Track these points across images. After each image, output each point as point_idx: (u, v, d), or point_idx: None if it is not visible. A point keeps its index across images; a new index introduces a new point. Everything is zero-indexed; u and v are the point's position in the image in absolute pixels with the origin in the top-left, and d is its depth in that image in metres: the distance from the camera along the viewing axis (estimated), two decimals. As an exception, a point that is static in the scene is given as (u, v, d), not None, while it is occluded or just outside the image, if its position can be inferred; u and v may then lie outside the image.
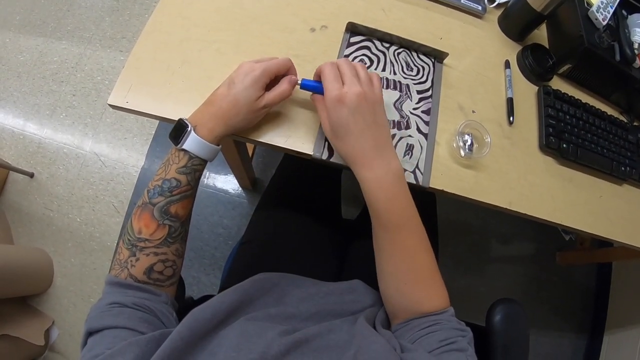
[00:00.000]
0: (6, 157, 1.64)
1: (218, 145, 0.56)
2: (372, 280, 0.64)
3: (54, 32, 1.85)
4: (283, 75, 0.58)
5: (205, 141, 0.53)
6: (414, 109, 0.69)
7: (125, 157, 1.66)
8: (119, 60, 1.79)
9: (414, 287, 0.53)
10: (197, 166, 0.54)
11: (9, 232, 1.55)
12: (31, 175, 1.62)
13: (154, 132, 1.70)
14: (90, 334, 0.44)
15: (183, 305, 0.63)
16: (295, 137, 0.64)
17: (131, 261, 0.50)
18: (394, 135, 0.66)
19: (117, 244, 0.55)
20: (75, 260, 1.54)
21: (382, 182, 0.52)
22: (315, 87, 0.58)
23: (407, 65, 0.71)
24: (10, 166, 1.56)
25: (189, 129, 0.52)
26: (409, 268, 0.53)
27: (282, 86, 0.57)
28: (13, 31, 1.86)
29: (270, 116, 0.64)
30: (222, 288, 0.77)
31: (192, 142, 0.52)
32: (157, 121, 1.69)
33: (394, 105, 0.68)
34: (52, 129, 1.70)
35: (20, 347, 1.30)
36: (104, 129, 1.70)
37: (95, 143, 1.68)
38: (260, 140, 0.63)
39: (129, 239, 0.51)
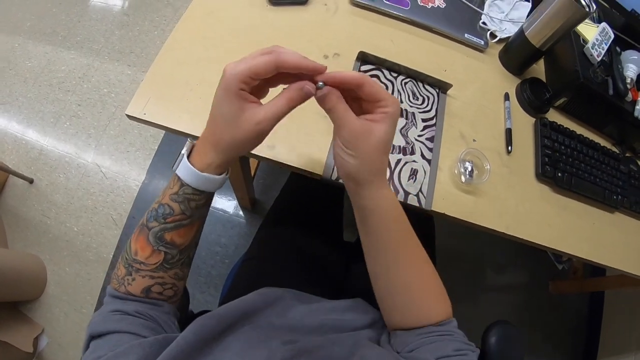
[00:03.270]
0: (7, 161, 1.64)
1: (218, 174, 0.46)
2: (372, 298, 0.65)
3: (63, 41, 1.89)
4: (294, 77, 0.43)
5: (194, 169, 0.45)
6: (419, 136, 0.72)
7: (127, 170, 1.67)
8: (126, 74, 1.82)
9: (424, 295, 0.53)
10: (189, 195, 0.46)
11: (4, 236, 1.54)
12: (31, 181, 1.62)
13: (156, 147, 1.71)
14: (92, 337, 0.45)
15: (185, 317, 0.63)
16: (307, 157, 0.67)
17: (127, 279, 0.49)
18: (399, 160, 0.69)
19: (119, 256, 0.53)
20: (70, 269, 1.52)
21: (393, 194, 0.51)
22: None
23: (414, 94, 0.75)
24: (11, 170, 1.56)
25: (183, 151, 0.47)
26: (421, 276, 0.53)
27: (287, 95, 0.42)
28: (23, 37, 1.89)
29: (282, 134, 0.67)
30: (223, 303, 0.77)
31: (182, 168, 0.46)
32: (160, 137, 1.72)
33: (400, 131, 0.71)
34: (55, 137, 1.71)
35: (7, 352, 1.28)
36: (107, 140, 1.71)
37: (97, 154, 1.69)
38: (272, 158, 0.66)
39: (126, 258, 0.49)
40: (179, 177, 0.46)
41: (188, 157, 0.47)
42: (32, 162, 1.67)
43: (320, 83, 0.42)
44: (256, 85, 0.42)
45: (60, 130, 1.72)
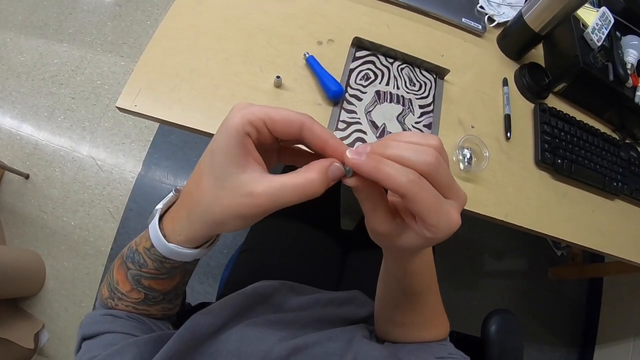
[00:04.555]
0: (2, 157, 1.63)
1: (189, 248, 0.36)
2: (370, 290, 0.64)
3: (55, 34, 1.86)
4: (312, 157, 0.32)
5: (160, 235, 0.36)
6: (416, 122, 0.71)
7: (123, 162, 1.66)
8: (119, 66, 1.80)
9: (433, 325, 0.51)
10: (160, 258, 0.38)
11: (1, 233, 1.53)
12: (26, 177, 1.61)
13: (152, 138, 1.70)
14: (84, 339, 0.44)
15: (182, 311, 0.63)
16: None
17: (111, 302, 0.45)
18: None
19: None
20: (68, 264, 1.52)
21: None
22: None
23: (410, 80, 0.74)
24: (6, 166, 1.55)
25: (159, 205, 0.38)
26: (436, 310, 0.51)
27: (306, 174, 0.29)
28: (14, 31, 1.86)
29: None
30: (221, 295, 0.77)
31: (152, 228, 0.37)
32: (155, 128, 1.70)
33: (397, 118, 0.70)
34: (50, 131, 1.69)
35: (9, 349, 1.27)
36: (102, 133, 1.69)
37: (92, 147, 1.67)
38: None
39: (110, 282, 0.45)
40: (150, 235, 0.38)
41: (164, 214, 0.38)
42: (27, 157, 1.65)
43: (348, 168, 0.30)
44: (264, 146, 0.31)
45: (55, 124, 1.70)
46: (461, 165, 0.69)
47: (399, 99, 0.72)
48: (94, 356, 0.40)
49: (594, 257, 1.61)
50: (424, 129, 0.71)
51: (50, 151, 1.66)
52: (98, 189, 1.61)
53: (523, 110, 0.81)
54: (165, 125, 0.67)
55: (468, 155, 0.69)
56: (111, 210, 1.59)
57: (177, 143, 1.69)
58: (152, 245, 0.37)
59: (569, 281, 1.73)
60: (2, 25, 1.88)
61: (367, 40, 0.72)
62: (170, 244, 0.36)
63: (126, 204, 1.59)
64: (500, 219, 0.71)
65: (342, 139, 0.66)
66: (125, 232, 1.54)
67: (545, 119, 0.79)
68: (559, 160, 0.76)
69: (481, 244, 1.73)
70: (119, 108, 0.66)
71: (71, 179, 1.62)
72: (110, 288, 0.45)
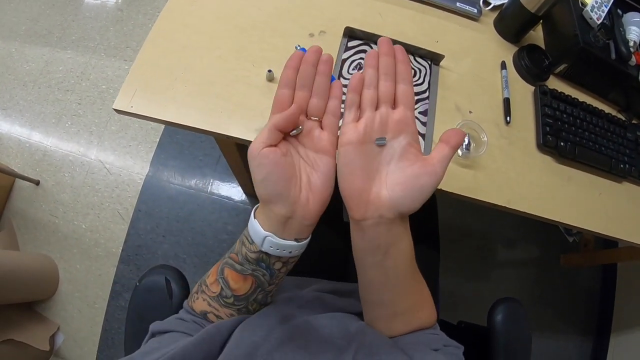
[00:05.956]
0: (12, 164, 1.67)
1: (261, 225, 0.41)
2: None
3: (59, 41, 1.89)
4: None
5: (252, 216, 0.43)
6: (412, 110, 0.70)
7: (130, 164, 1.68)
8: (123, 69, 1.82)
9: (421, 313, 0.51)
10: (244, 236, 0.44)
11: (14, 239, 1.57)
12: (37, 183, 1.64)
13: (158, 139, 1.72)
14: (153, 334, 0.46)
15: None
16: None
17: (195, 296, 0.50)
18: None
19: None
20: (81, 266, 1.55)
21: None
22: None
23: (405, 67, 0.73)
24: (17, 173, 1.58)
25: None
26: (421, 294, 0.51)
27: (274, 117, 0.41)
28: (19, 41, 1.90)
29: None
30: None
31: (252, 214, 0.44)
32: (162, 129, 1.72)
33: (392, 106, 0.69)
34: (58, 137, 1.72)
35: (25, 352, 1.31)
36: (109, 136, 1.72)
37: (100, 151, 1.70)
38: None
39: (203, 278, 0.50)
40: None
41: None
42: (37, 164, 1.69)
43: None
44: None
45: (62, 130, 1.73)
46: (459, 152, 0.68)
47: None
48: (155, 348, 0.41)
49: (607, 243, 1.57)
50: (420, 116, 0.70)
51: (59, 157, 1.69)
52: (107, 192, 1.64)
53: (523, 93, 0.79)
54: (163, 124, 0.67)
55: (466, 141, 0.68)
56: (121, 212, 1.61)
57: (183, 143, 1.71)
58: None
59: (582, 268, 1.70)
60: (7, 36, 1.92)
61: (359, 30, 0.72)
62: (254, 217, 0.42)
63: (135, 205, 1.61)
64: (503, 205, 0.69)
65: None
66: (135, 232, 1.57)
67: (547, 102, 0.77)
68: (562, 143, 0.74)
69: (491, 233, 1.71)
70: (116, 110, 0.67)
71: (81, 183, 1.65)
72: (200, 282, 0.50)
